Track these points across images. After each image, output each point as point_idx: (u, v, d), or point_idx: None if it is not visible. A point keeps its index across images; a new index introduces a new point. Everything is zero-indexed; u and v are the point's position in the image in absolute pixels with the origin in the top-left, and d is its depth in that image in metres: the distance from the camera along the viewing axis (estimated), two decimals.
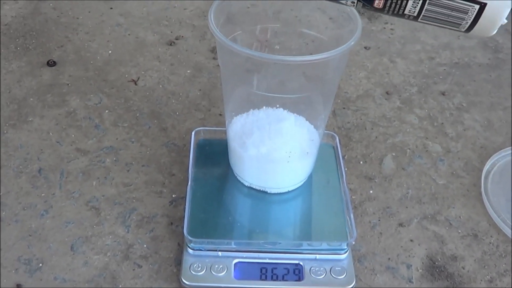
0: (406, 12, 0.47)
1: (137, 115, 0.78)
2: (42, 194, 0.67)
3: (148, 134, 0.75)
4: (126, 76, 0.85)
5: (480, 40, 0.97)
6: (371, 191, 0.70)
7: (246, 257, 0.58)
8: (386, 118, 0.80)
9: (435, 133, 0.78)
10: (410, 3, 0.46)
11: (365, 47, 0.94)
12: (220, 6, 0.56)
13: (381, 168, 0.73)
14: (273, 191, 0.64)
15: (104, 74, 0.85)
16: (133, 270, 0.60)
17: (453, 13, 0.46)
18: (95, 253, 0.61)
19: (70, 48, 0.90)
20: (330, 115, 0.78)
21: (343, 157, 0.71)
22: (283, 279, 0.57)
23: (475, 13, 0.46)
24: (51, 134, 0.74)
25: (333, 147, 0.70)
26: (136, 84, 0.83)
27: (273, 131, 0.61)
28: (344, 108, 0.81)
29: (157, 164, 0.71)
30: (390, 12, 0.48)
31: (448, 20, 0.47)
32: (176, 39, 0.93)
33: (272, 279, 0.57)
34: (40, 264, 0.60)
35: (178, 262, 0.60)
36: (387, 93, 0.85)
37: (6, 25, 0.94)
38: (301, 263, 0.58)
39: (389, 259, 0.62)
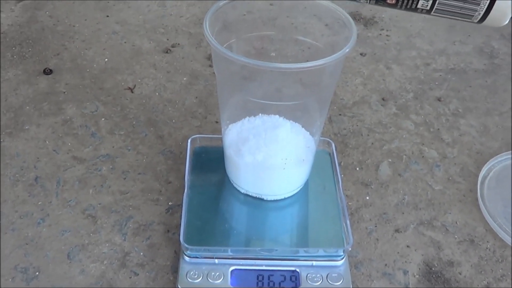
0: (419, 6, 0.48)
1: (134, 123, 0.78)
2: (39, 203, 0.67)
3: (145, 141, 0.75)
4: (123, 84, 0.85)
5: (476, 45, 0.97)
6: (367, 197, 0.70)
7: (242, 264, 0.58)
8: (382, 124, 0.80)
9: (431, 139, 0.78)
10: None
11: (361, 54, 0.94)
12: (216, 14, 0.56)
13: (377, 174, 0.73)
14: (269, 198, 0.64)
15: (100, 82, 0.85)
16: (130, 278, 0.60)
17: (466, 5, 0.47)
18: (91, 261, 0.61)
19: (67, 56, 0.90)
20: (326, 121, 0.78)
21: (339, 164, 0.71)
22: (279, 286, 0.57)
23: (487, 4, 0.46)
24: (47, 142, 0.74)
25: (329, 153, 0.70)
26: (132, 92, 0.83)
27: (269, 138, 0.61)
28: (340, 114, 0.81)
29: (153, 171, 0.71)
30: (403, 7, 0.48)
31: (461, 12, 0.47)
32: (173, 46, 0.93)
33: (269, 286, 0.57)
34: (37, 273, 0.60)
35: (174, 269, 0.60)
36: (383, 99, 0.85)
37: (2, 33, 0.94)
38: (297, 270, 0.58)
39: (385, 265, 0.62)
